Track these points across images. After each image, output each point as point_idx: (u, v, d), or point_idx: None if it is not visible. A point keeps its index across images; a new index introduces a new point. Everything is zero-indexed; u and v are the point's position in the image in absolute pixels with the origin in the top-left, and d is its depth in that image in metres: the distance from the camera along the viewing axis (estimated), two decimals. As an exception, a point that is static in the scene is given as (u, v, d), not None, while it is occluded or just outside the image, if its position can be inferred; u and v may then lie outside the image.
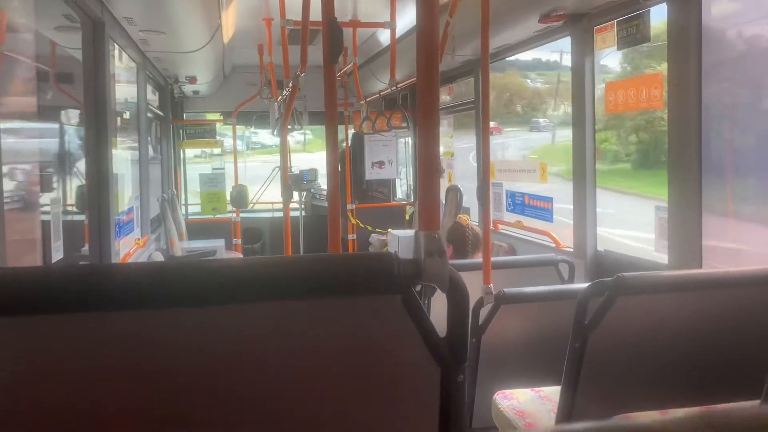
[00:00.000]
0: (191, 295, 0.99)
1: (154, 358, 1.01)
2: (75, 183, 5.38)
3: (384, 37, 5.58)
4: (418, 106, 1.12)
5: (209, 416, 1.04)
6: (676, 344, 1.95)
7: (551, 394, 2.45)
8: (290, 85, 3.58)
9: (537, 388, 2.56)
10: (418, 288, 1.15)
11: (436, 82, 1.09)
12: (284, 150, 3.66)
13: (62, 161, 6.26)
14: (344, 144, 7.39)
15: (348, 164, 7.24)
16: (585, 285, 2.03)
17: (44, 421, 0.96)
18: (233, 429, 1.04)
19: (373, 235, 7.62)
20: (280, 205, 7.53)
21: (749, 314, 1.96)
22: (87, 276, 0.98)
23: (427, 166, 1.10)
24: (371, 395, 1.08)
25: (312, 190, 8.15)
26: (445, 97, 6.86)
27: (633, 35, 3.26)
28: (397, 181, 8.53)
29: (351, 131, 7.55)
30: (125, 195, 5.02)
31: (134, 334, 0.99)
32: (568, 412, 1.98)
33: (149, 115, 6.11)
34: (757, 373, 1.89)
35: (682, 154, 2.91)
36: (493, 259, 2.82)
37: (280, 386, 1.07)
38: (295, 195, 7.90)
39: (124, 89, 5.12)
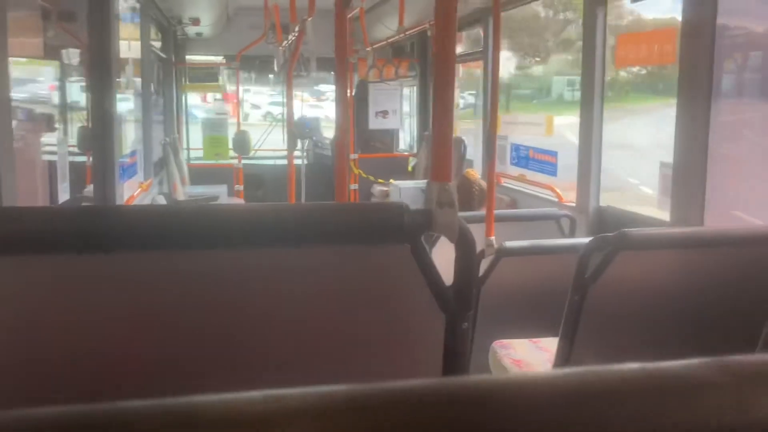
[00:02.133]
0: (198, 238, 1.00)
1: (158, 299, 1.03)
2: (78, 124, 5.35)
3: (392, -18, 5.46)
4: (435, 51, 1.10)
5: (212, 359, 1.06)
6: (675, 300, 1.98)
7: (549, 344, 2.50)
8: (296, 29, 3.52)
9: (535, 339, 2.60)
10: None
11: (454, 26, 1.08)
12: (289, 98, 3.63)
13: (65, 102, 6.19)
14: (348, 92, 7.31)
15: (351, 113, 7.17)
16: (586, 240, 2.04)
17: (46, 358, 0.98)
18: (238, 372, 1.07)
19: (375, 185, 7.62)
20: (283, 153, 7.51)
21: (748, 272, 1.98)
22: (91, 216, 0.99)
23: (442, 115, 1.10)
24: (378, 340, 1.11)
25: (314, 138, 8.11)
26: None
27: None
28: (400, 131, 8.47)
29: (356, 79, 7.45)
30: (128, 137, 5.00)
31: (140, 276, 1.01)
32: (564, 362, 2.03)
33: (152, 57, 6.03)
34: (753, 327, 1.93)
35: (691, 111, 2.89)
36: (495, 212, 2.83)
37: (286, 331, 1.10)
38: (298, 143, 7.87)
39: (128, 30, 5.03)
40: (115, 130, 3.71)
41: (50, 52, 5.67)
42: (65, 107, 5.66)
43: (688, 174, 2.90)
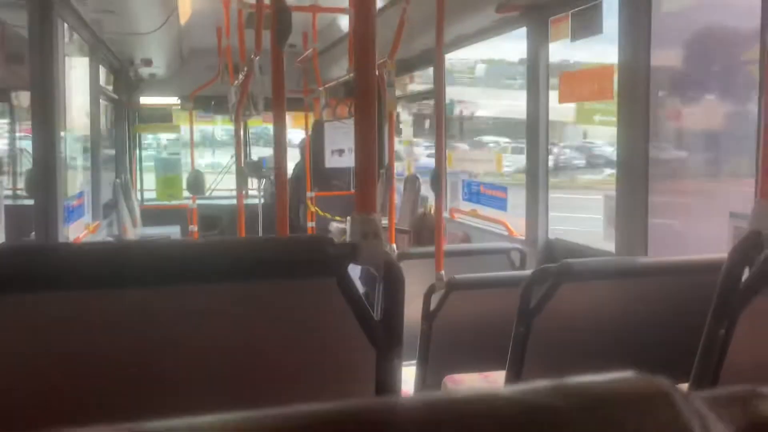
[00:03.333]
0: (122, 276, 0.98)
1: (91, 339, 1.00)
2: (25, 167, 5.22)
3: (344, 22, 5.55)
4: (355, 93, 1.12)
5: (144, 394, 1.03)
6: (617, 328, 2.00)
7: (499, 378, 2.49)
8: (245, 69, 3.53)
9: (486, 373, 2.59)
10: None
11: (373, 65, 1.10)
12: (238, 136, 3.62)
13: (12, 144, 6.06)
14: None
15: (308, 152, 7.18)
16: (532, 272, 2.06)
17: None
18: (167, 406, 1.03)
19: (332, 222, 7.61)
20: None
21: (688, 300, 2.02)
22: (24, 255, 0.97)
23: (365, 150, 1.11)
24: (309, 375, 1.09)
25: (272, 177, 8.08)
26: (409, 86, 6.84)
27: (587, 26, 3.31)
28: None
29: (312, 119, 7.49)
30: (76, 179, 4.90)
31: (71, 315, 0.98)
32: (512, 395, 2.02)
33: (102, 98, 5.96)
34: (690, 354, 1.96)
35: (631, 144, 2.97)
36: (446, 247, 2.84)
37: (217, 367, 1.07)
38: (254, 183, 7.82)
39: (75, 71, 4.98)
40: (60, 172, 3.63)
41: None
42: (13, 149, 5.53)
43: (631, 206, 2.97)
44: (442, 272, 2.71)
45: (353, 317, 1.05)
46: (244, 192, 3.71)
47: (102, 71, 5.99)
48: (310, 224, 7.29)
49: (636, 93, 2.92)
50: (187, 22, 5.57)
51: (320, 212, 7.46)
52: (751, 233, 1.33)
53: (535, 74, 3.81)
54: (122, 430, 0.31)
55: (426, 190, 6.40)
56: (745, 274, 1.38)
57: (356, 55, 1.08)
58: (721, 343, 1.39)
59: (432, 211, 5.16)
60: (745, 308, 1.37)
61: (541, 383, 0.36)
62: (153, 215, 7.29)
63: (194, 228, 7.12)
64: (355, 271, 1.19)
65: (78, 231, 4.33)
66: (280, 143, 1.78)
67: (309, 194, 7.31)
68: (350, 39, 4.60)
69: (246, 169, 5.28)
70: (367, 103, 1.05)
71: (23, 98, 5.31)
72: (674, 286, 1.99)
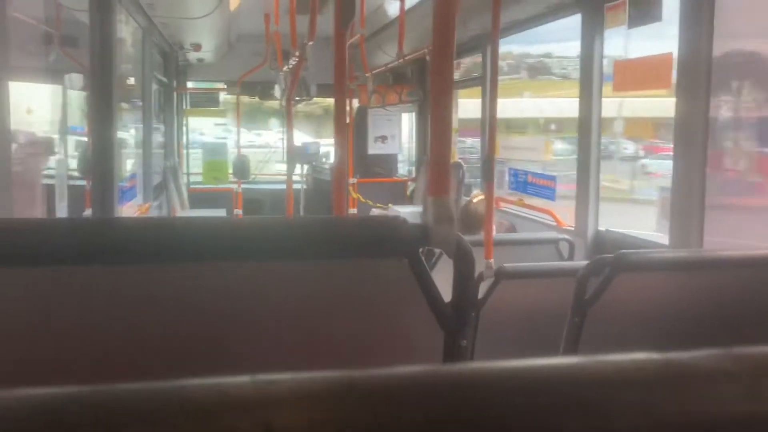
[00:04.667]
0: (194, 251, 1.00)
1: (159, 312, 1.02)
2: (79, 148, 5.36)
3: (392, 8, 5.53)
4: (432, 71, 1.12)
5: (211, 372, 1.05)
6: (674, 321, 1.97)
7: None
8: (297, 54, 3.55)
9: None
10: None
11: (452, 46, 1.09)
12: (289, 121, 3.65)
13: (66, 126, 6.22)
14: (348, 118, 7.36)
15: (351, 138, 7.20)
16: (585, 262, 2.04)
17: (37, 371, 0.97)
18: None
19: (373, 209, 7.63)
20: (282, 178, 7.52)
21: (748, 296, 1.98)
22: (88, 229, 0.99)
23: (440, 132, 1.11)
24: (376, 355, 1.10)
25: (314, 163, 8.13)
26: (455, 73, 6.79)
27: (645, 13, 3.23)
28: (399, 157, 8.50)
29: (356, 104, 7.50)
30: (129, 161, 5.01)
31: (139, 288, 1.00)
32: (564, 385, 2.00)
33: (153, 82, 6.07)
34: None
35: (688, 133, 2.91)
36: (495, 236, 2.83)
37: (284, 345, 1.09)
38: (297, 168, 7.88)
39: (130, 55, 5.08)
40: (116, 155, 3.72)
41: (53, 76, 5.71)
42: (66, 131, 5.68)
43: (687, 197, 2.91)
44: (491, 260, 2.70)
45: (423, 299, 1.06)
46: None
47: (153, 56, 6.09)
48: (352, 211, 7.33)
49: (696, 82, 2.85)
50: (236, 8, 5.62)
51: (362, 199, 7.49)
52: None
53: (589, 63, 3.75)
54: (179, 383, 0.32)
55: (470, 179, 6.37)
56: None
57: (434, 42, 1.08)
58: None
59: (476, 200, 5.14)
60: None
61: (706, 351, 0.36)
62: (199, 198, 7.42)
63: (239, 211, 7.23)
64: None
65: (130, 211, 4.44)
66: (341, 127, 1.79)
67: (351, 180, 7.35)
68: (400, 24, 4.58)
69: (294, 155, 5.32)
70: (444, 87, 1.05)
71: (76, 81, 5.43)
72: (734, 279, 1.95)
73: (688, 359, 0.35)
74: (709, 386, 0.33)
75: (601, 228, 3.78)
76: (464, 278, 1.07)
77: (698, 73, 2.83)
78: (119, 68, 3.95)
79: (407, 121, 8.29)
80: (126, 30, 4.77)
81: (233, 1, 5.42)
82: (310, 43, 3.18)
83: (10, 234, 0.92)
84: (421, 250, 1.06)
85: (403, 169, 8.68)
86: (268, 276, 1.05)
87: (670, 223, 2.98)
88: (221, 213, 6.69)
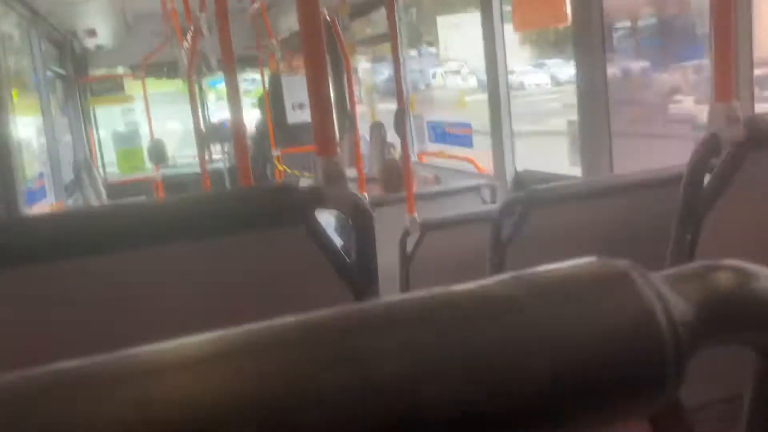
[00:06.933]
0: (89, 242, 0.96)
1: (62, 310, 0.99)
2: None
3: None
4: (301, 37, 1.08)
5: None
6: (590, 249, 2.03)
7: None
8: (192, 29, 3.42)
9: None
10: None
11: (316, 9, 1.06)
12: (193, 99, 3.53)
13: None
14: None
15: (268, 109, 7.05)
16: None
17: None
18: None
19: (301, 180, 7.55)
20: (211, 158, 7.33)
21: (657, 212, 2.06)
22: None
23: (317, 94, 1.09)
24: None
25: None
26: (366, 30, 6.71)
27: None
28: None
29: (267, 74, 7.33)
30: (34, 161, 4.77)
31: (39, 288, 0.97)
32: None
33: (50, 74, 5.76)
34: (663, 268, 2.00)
35: (589, 66, 2.97)
36: (416, 190, 2.84)
37: (191, 328, 1.06)
38: (219, 147, 7.69)
39: (17, 48, 4.79)
40: (14, 155, 3.53)
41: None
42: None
43: (594, 128, 2.99)
44: (415, 215, 2.71)
45: (327, 263, 1.05)
46: (207, 157, 3.64)
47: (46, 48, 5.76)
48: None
49: (590, 16, 2.90)
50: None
51: (288, 170, 7.38)
52: (709, 137, 1.34)
53: (489, 2, 3.75)
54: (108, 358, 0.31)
55: (392, 137, 6.36)
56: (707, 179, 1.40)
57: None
58: (689, 249, 1.42)
59: (397, 157, 5.15)
60: (709, 212, 1.39)
61: (502, 276, 0.36)
62: (118, 190, 7.16)
63: (161, 199, 7.02)
64: (330, 226, 1.18)
65: (42, 212, 4.25)
66: (235, 101, 1.73)
67: (275, 152, 7.22)
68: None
69: (207, 133, 5.19)
70: (314, 43, 1.03)
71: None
72: (642, 199, 2.02)
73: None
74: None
75: (520, 169, 3.86)
76: (364, 236, 1.06)
77: (592, 6, 2.88)
78: (5, 64, 3.72)
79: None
80: (8, 22, 4.48)
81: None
82: (203, 15, 3.07)
83: None
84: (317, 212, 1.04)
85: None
86: (165, 260, 1.02)
87: (581, 155, 3.07)
88: (141, 199, 6.48)
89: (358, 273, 1.07)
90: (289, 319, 0.33)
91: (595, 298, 0.34)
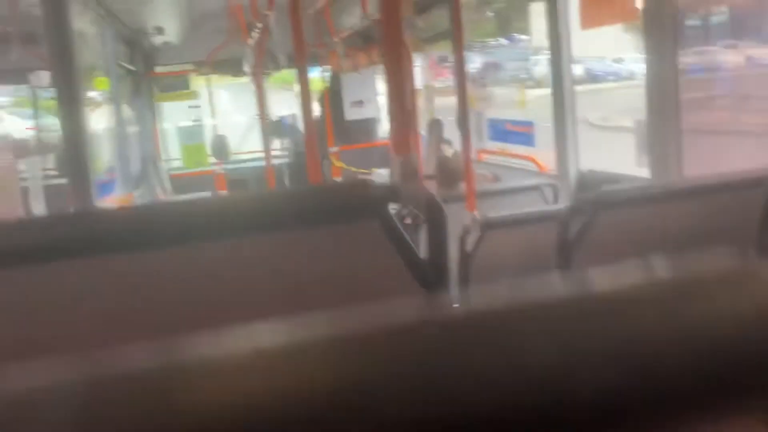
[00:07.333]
0: (163, 236, 0.99)
1: (140, 300, 1.02)
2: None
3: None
4: (383, 32, 1.09)
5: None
6: (661, 253, 1.97)
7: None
8: (260, 26, 3.49)
9: None
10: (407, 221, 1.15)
11: (399, 7, 1.07)
12: (260, 95, 3.60)
13: (39, 125, 6.12)
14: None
15: (327, 106, 7.12)
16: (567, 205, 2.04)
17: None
18: None
19: (358, 176, 7.60)
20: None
21: (733, 217, 1.99)
22: (71, 222, 0.98)
23: (396, 93, 1.09)
24: None
25: (295, 136, 8.04)
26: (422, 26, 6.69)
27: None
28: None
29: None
30: (105, 154, 4.95)
31: (120, 278, 1.00)
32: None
33: (120, 70, 5.97)
34: None
35: (659, 66, 2.89)
36: (478, 188, 2.82)
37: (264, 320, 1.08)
38: (278, 143, 7.81)
39: (92, 45, 4.98)
40: (88, 149, 3.67)
41: (17, 77, 5.58)
42: (42, 129, 5.58)
43: (663, 128, 2.90)
44: (475, 213, 2.70)
45: (399, 258, 1.05)
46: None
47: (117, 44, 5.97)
48: (337, 180, 7.29)
49: (663, 12, 2.82)
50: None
51: (345, 166, 7.44)
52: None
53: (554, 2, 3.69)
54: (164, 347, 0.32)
55: (450, 134, 6.33)
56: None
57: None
58: None
59: (449, 154, 5.11)
60: None
61: (627, 265, 0.36)
62: (182, 183, 7.36)
63: (224, 193, 7.18)
64: None
65: (112, 204, 4.41)
66: (306, 97, 1.76)
67: (332, 149, 7.28)
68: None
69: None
70: (394, 46, 1.03)
71: (43, 78, 5.31)
72: (717, 204, 1.95)
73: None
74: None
75: (584, 169, 3.78)
76: (437, 232, 1.06)
77: (663, 2, 2.80)
78: (81, 60, 3.87)
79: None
80: (85, 20, 4.66)
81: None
82: (270, 12, 3.12)
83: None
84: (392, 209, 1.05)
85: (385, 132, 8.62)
86: (242, 253, 1.04)
87: (649, 156, 2.99)
88: (204, 193, 6.64)
89: (430, 270, 1.08)
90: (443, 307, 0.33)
91: (732, 289, 0.33)
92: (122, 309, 1.01)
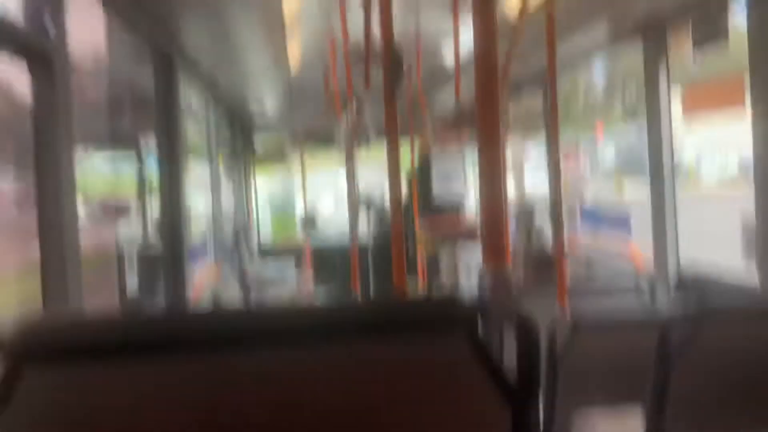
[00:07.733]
0: (244, 340, 0.98)
1: (221, 403, 1.00)
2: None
3: (447, 51, 5.52)
4: (478, 121, 1.05)
5: None
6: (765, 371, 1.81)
7: (633, 413, 2.33)
8: (355, 102, 3.57)
9: (619, 409, 2.43)
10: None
11: (497, 98, 1.03)
12: (351, 170, 3.64)
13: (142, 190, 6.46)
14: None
15: (415, 185, 7.13)
16: (666, 309, 1.92)
17: None
18: None
19: (442, 249, 7.46)
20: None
21: None
22: (163, 323, 0.99)
23: (491, 190, 1.04)
24: None
25: (378, 211, 8.05)
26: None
27: (711, 32, 3.06)
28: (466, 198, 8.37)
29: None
30: (199, 223, 5.14)
31: (209, 378, 0.99)
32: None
33: (219, 142, 6.25)
34: None
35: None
36: (571, 285, 2.70)
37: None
38: (364, 217, 7.87)
39: (196, 116, 5.25)
40: (185, 220, 3.81)
41: (126, 140, 5.92)
42: (143, 195, 5.88)
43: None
44: (566, 310, 2.57)
45: (485, 376, 0.98)
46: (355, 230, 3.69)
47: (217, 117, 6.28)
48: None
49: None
50: (294, 63, 5.75)
51: (430, 247, 7.33)
52: None
53: (654, 88, 3.58)
54: None
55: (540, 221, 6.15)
56: None
57: (477, 89, 1.01)
58: None
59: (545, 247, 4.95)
60: None
61: None
62: (269, 252, 7.51)
63: (309, 272, 7.21)
64: None
65: (203, 271, 4.53)
66: (395, 174, 1.73)
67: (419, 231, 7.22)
68: (456, 66, 4.55)
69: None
70: (491, 132, 0.98)
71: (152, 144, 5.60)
72: None
73: None
74: None
75: (683, 266, 3.56)
76: (528, 353, 0.98)
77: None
78: (184, 130, 4.07)
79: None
80: (189, 92, 4.94)
81: (292, 57, 5.55)
82: (367, 90, 3.19)
83: (88, 331, 0.92)
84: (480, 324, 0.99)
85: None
86: (324, 363, 1.01)
87: (758, 261, 2.76)
88: (290, 269, 6.72)
89: (518, 390, 0.99)
90: None
91: None
92: (208, 412, 1.00)
